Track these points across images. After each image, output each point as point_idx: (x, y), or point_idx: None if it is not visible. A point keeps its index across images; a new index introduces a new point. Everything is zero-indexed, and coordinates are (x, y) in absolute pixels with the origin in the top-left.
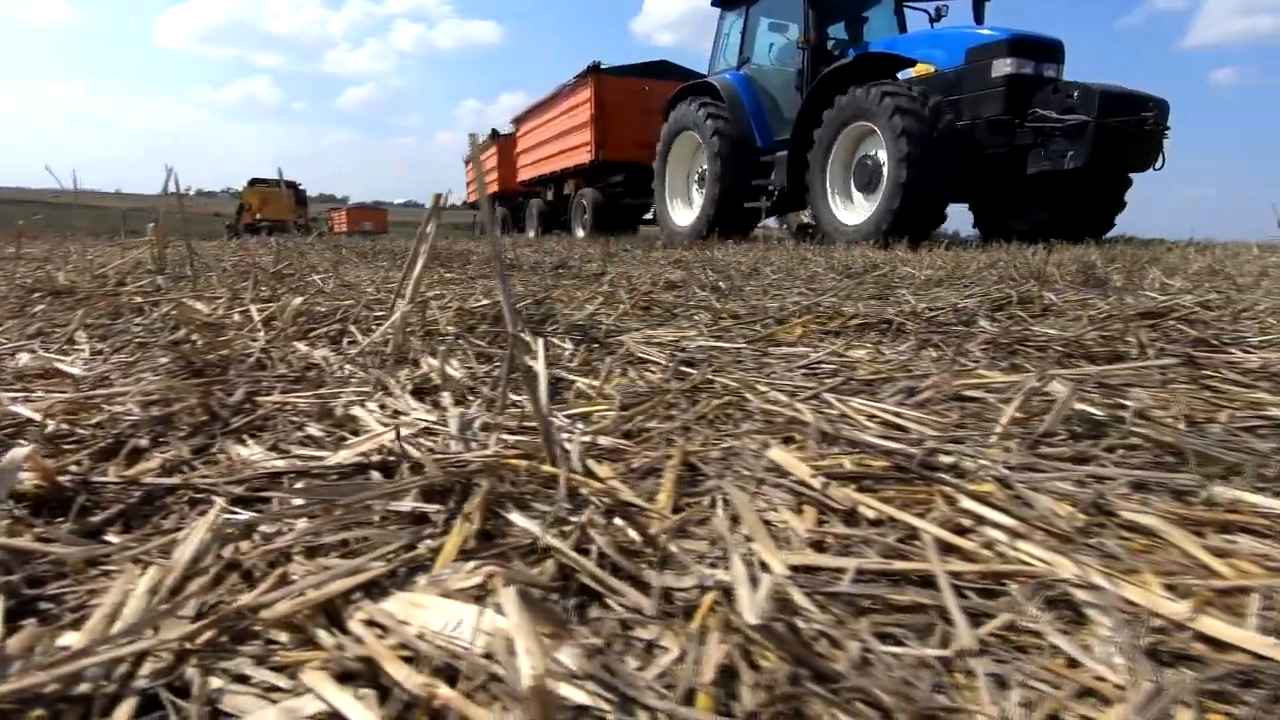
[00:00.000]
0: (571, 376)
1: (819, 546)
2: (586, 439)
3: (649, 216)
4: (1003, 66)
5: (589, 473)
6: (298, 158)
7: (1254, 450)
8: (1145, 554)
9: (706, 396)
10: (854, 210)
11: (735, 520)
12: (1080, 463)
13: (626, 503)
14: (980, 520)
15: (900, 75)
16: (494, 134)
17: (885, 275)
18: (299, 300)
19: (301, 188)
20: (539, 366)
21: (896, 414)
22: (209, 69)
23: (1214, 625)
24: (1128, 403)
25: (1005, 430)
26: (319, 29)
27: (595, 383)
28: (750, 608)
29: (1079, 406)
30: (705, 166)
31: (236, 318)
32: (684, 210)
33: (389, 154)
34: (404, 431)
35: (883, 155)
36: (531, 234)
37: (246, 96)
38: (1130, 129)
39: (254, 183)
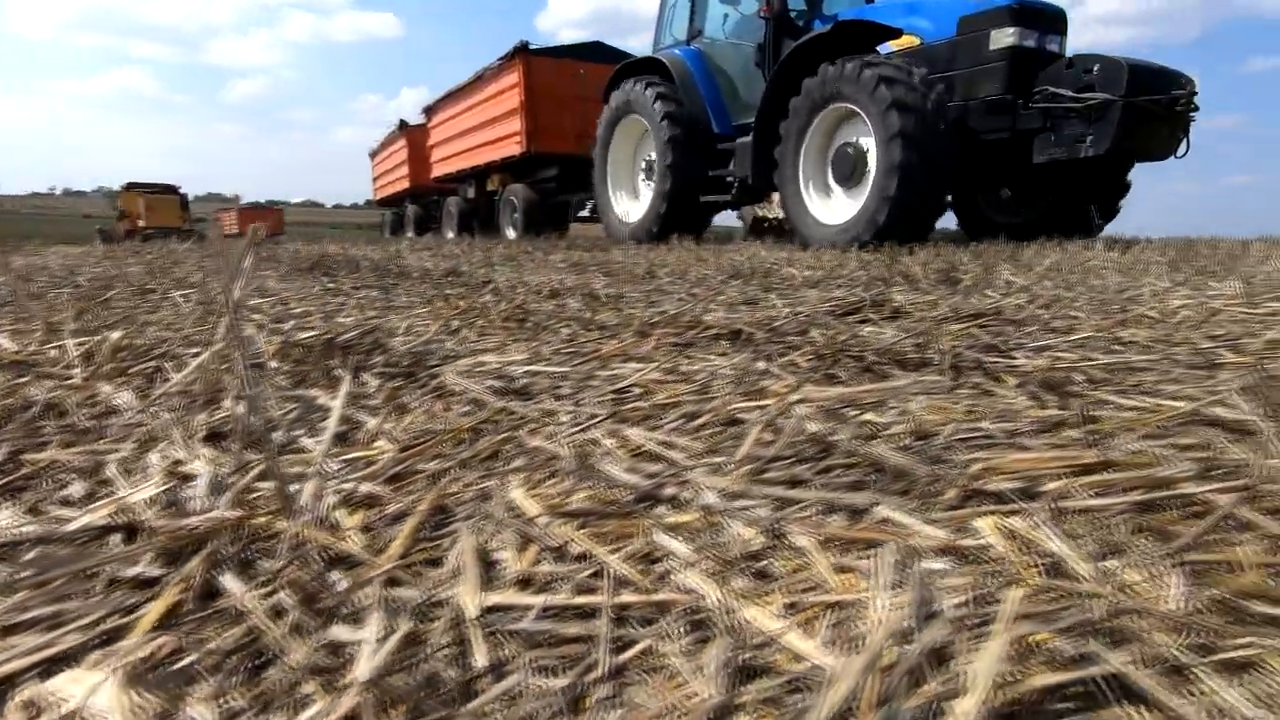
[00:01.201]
0: (364, 417)
1: (525, 584)
2: (349, 485)
3: (586, 214)
4: (1003, 37)
5: (334, 525)
6: (182, 154)
7: (949, 464)
8: (791, 575)
9: (491, 432)
10: (834, 207)
11: (458, 566)
12: (792, 486)
13: (347, 555)
14: (668, 552)
15: (880, 50)
16: (402, 125)
17: (768, 277)
18: (117, 334)
19: (181, 191)
20: (335, 406)
21: (666, 442)
22: (78, 58)
23: (793, 640)
24: (877, 418)
25: (746, 454)
26: (201, 17)
27: (387, 423)
28: (365, 667)
29: (815, 428)
30: (654, 155)
31: (53, 354)
32: (630, 205)
33: (283, 150)
34: (158, 490)
35: (867, 142)
36: (450, 235)
37: (122, 89)
38: (1161, 110)
39: (131, 187)
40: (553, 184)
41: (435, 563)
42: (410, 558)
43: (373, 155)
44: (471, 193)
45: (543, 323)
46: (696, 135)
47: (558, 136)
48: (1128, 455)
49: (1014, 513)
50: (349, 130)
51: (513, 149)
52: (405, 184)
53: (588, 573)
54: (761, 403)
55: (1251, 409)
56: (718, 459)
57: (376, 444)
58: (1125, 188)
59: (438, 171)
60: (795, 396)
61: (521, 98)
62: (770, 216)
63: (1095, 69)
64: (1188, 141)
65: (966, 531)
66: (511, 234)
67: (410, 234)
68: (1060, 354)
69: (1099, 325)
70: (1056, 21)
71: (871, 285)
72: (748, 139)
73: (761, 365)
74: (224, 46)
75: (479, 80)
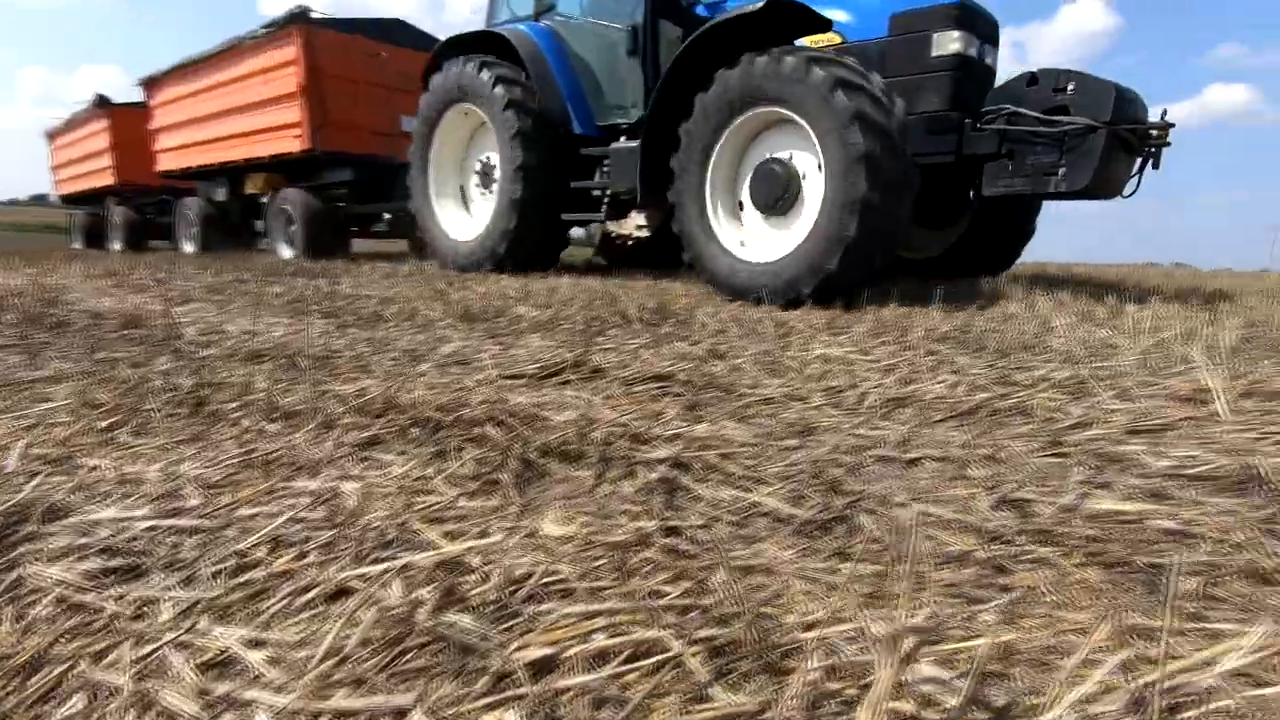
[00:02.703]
0: None
1: None
2: None
3: (382, 228)
4: (948, 42)
5: None
6: None
7: (519, 619)
8: None
9: (56, 657)
10: (750, 237)
11: None
12: (356, 687)
13: None
14: None
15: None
16: (103, 102)
17: (497, 319)
18: None
19: None
20: None
21: (255, 640)
22: None
23: None
24: (482, 562)
25: (328, 649)
26: None
27: None
28: None
29: (402, 607)
30: (493, 158)
31: None
32: (461, 221)
33: None
34: None
35: (804, 161)
36: (189, 249)
37: None
38: (1136, 141)
39: None
40: (344, 191)
41: None
42: None
43: (53, 137)
44: (222, 195)
45: (221, 410)
46: (553, 135)
47: (352, 132)
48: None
49: (516, 699)
50: (4, 110)
51: (289, 144)
52: (110, 178)
53: None
54: (374, 567)
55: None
56: (303, 653)
57: None
58: (1029, 232)
59: (168, 164)
60: (405, 560)
61: (302, 80)
62: (626, 234)
63: (1070, 88)
64: (1139, 179)
65: None
66: (287, 253)
67: (117, 245)
68: (696, 429)
69: (752, 379)
70: (994, 30)
71: (587, 330)
72: (626, 144)
73: (430, 473)
74: None
75: (234, 52)
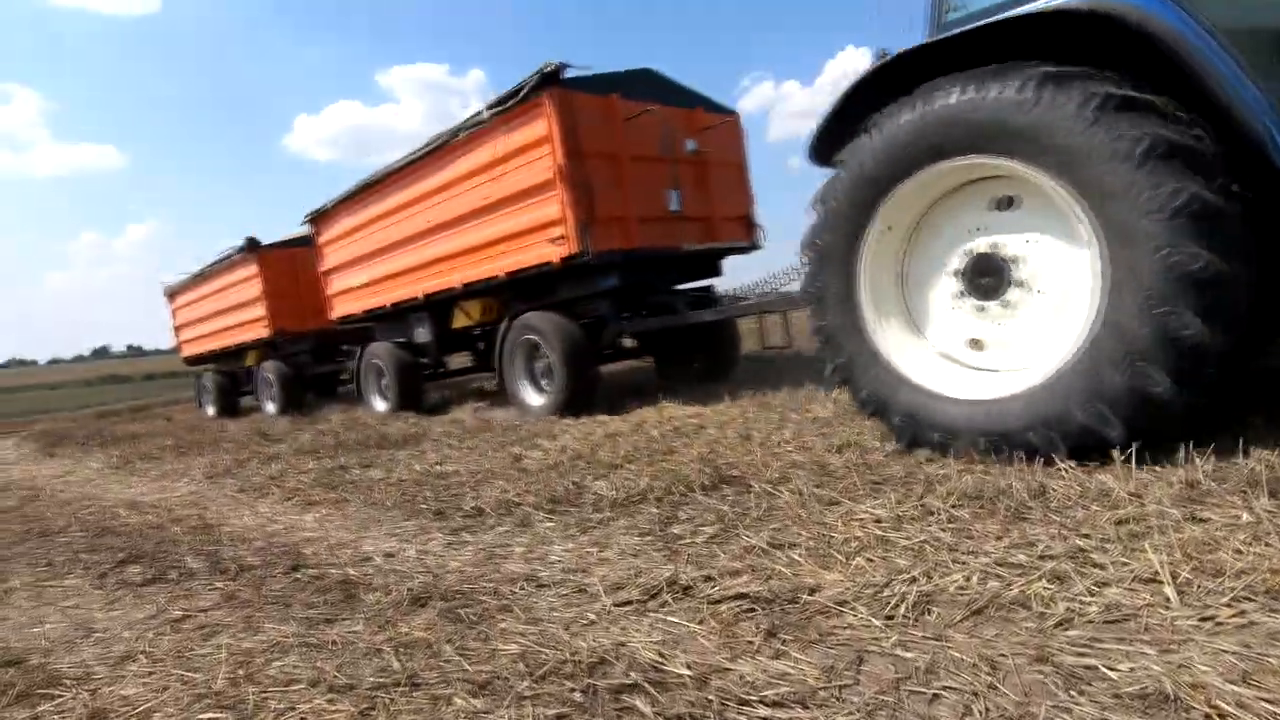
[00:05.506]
0: None
1: None
2: None
3: (629, 344)
4: None
5: None
6: None
7: None
8: None
9: None
10: None
11: None
12: None
13: None
14: None
15: None
16: (253, 245)
17: (581, 500)
18: None
19: None
20: None
21: None
22: None
23: None
24: None
25: None
26: None
27: None
28: None
29: None
30: (1008, 244)
31: None
32: (923, 357)
33: None
34: None
35: None
36: (381, 406)
37: None
38: None
39: None
40: (606, 304)
41: None
42: None
43: (174, 295)
44: (425, 334)
45: (431, 686)
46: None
47: (620, 225)
48: None
49: None
50: (63, 275)
51: (543, 252)
52: (264, 330)
53: None
54: None
55: None
56: None
57: None
58: None
59: (347, 308)
60: None
61: (560, 161)
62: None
63: None
64: None
65: None
66: (537, 401)
67: (271, 407)
68: (773, 671)
69: (810, 578)
70: None
71: (662, 510)
72: None
73: None
74: None
75: (444, 151)
